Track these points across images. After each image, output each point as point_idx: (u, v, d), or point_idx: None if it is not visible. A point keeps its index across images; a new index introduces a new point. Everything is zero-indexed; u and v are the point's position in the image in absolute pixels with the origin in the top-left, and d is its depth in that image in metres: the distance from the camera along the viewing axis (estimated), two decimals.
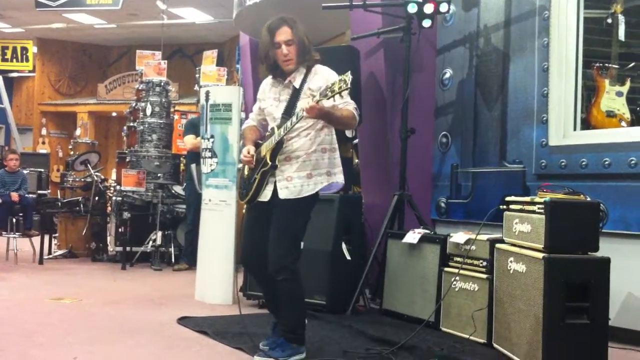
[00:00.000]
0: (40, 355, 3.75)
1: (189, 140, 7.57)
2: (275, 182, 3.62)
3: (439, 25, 5.83)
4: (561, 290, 3.40)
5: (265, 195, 3.65)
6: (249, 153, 3.68)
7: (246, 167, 3.79)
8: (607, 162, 4.27)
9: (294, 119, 3.51)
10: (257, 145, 3.76)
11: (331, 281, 4.94)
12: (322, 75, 3.63)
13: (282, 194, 3.59)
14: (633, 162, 4.11)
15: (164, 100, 8.70)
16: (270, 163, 3.58)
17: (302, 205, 3.62)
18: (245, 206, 3.91)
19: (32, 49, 16.43)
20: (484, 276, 4.15)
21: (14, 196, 8.26)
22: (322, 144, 3.66)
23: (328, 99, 3.33)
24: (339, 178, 3.74)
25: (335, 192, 3.83)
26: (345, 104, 3.58)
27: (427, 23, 5.40)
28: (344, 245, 5.03)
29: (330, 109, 3.47)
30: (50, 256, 8.36)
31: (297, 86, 3.64)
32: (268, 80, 3.84)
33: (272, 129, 3.67)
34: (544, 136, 4.75)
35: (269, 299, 3.95)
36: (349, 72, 3.30)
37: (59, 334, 4.30)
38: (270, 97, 3.77)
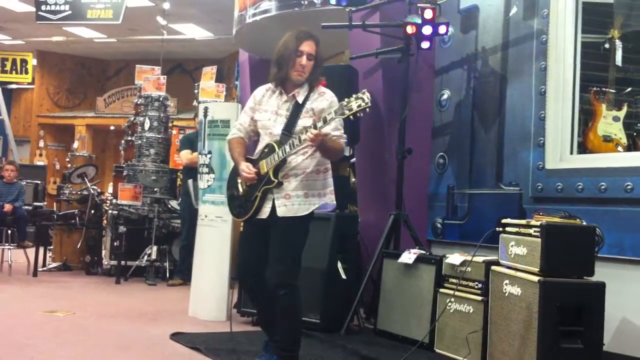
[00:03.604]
0: None
1: (185, 156, 7.59)
2: (273, 200, 3.60)
3: (437, 47, 5.86)
4: (556, 314, 3.40)
5: (264, 213, 3.62)
6: (249, 169, 3.62)
7: (241, 184, 3.72)
8: (603, 187, 4.28)
9: (296, 141, 3.49)
10: (250, 161, 3.70)
11: (325, 300, 4.92)
12: (326, 98, 3.64)
13: (280, 212, 3.58)
14: (629, 187, 4.12)
15: (162, 115, 8.72)
16: (275, 181, 3.56)
17: (301, 222, 3.63)
18: (242, 223, 3.89)
19: (32, 62, 16.47)
20: (479, 298, 4.14)
21: (7, 207, 8.24)
22: (318, 165, 3.66)
23: (345, 117, 3.34)
24: (330, 199, 3.74)
25: (330, 210, 3.83)
26: (339, 137, 3.61)
27: (425, 44, 5.43)
28: (339, 264, 5.03)
29: (326, 139, 3.49)
30: (45, 268, 8.33)
31: (300, 102, 3.63)
32: (262, 90, 3.79)
33: (272, 146, 3.61)
34: (541, 159, 4.76)
35: (262, 316, 3.94)
36: (365, 90, 3.30)
37: (51, 347, 4.27)
38: (268, 110, 3.71)
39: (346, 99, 3.34)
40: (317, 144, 3.46)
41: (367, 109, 3.30)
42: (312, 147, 3.55)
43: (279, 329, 3.68)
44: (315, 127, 3.41)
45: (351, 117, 3.34)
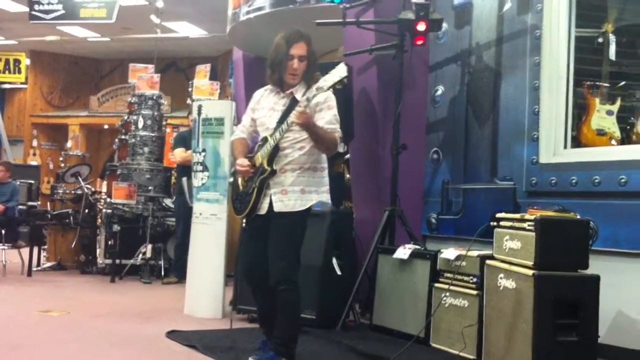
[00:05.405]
0: None
1: (179, 154, 7.57)
2: (270, 196, 3.64)
3: (432, 43, 5.86)
4: (551, 307, 3.41)
5: (262, 209, 3.66)
6: (243, 163, 3.68)
7: (240, 181, 3.79)
8: (597, 180, 4.29)
9: (284, 126, 3.53)
10: (249, 158, 3.76)
11: (321, 296, 4.92)
12: (321, 94, 3.64)
13: (277, 207, 3.62)
14: (623, 180, 4.13)
15: (156, 113, 8.68)
16: (269, 169, 3.59)
17: (298, 217, 3.65)
18: (239, 221, 3.90)
19: (25, 61, 16.41)
20: (474, 292, 4.15)
21: None
22: (316, 162, 3.70)
23: (327, 90, 3.42)
24: (325, 197, 3.77)
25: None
26: (333, 131, 3.63)
27: (419, 41, 5.42)
28: (334, 260, 5.03)
29: (317, 125, 3.53)
30: (39, 268, 8.30)
31: (298, 98, 3.64)
32: (261, 91, 3.86)
33: (265, 138, 3.68)
34: (535, 154, 4.77)
35: (263, 313, 3.92)
36: (343, 62, 3.36)
37: (46, 347, 4.26)
38: (265, 107, 3.77)
39: (326, 75, 3.42)
40: (305, 123, 3.45)
41: (345, 80, 3.40)
42: (305, 135, 3.56)
43: (278, 324, 3.68)
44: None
45: (330, 89, 3.45)
